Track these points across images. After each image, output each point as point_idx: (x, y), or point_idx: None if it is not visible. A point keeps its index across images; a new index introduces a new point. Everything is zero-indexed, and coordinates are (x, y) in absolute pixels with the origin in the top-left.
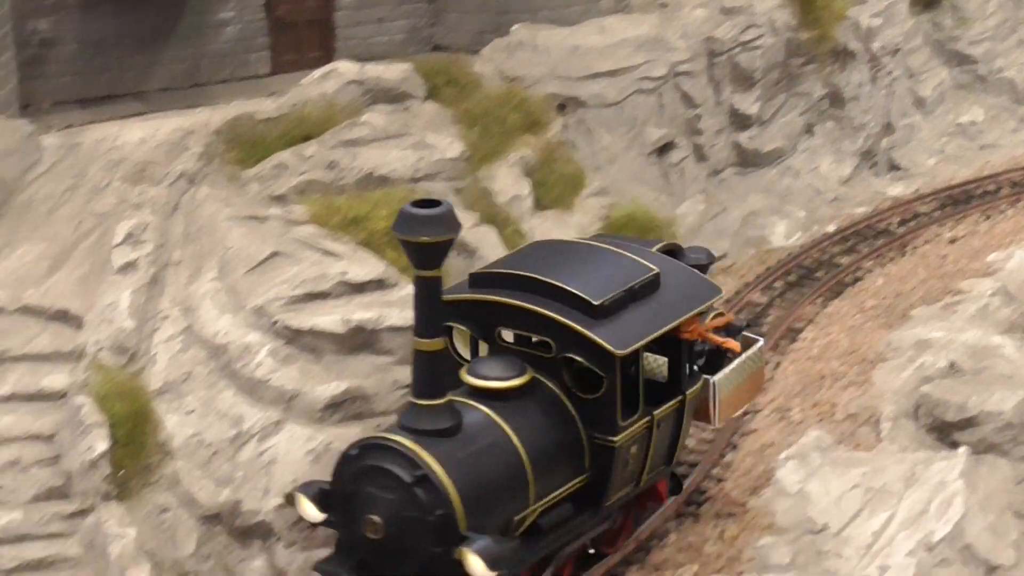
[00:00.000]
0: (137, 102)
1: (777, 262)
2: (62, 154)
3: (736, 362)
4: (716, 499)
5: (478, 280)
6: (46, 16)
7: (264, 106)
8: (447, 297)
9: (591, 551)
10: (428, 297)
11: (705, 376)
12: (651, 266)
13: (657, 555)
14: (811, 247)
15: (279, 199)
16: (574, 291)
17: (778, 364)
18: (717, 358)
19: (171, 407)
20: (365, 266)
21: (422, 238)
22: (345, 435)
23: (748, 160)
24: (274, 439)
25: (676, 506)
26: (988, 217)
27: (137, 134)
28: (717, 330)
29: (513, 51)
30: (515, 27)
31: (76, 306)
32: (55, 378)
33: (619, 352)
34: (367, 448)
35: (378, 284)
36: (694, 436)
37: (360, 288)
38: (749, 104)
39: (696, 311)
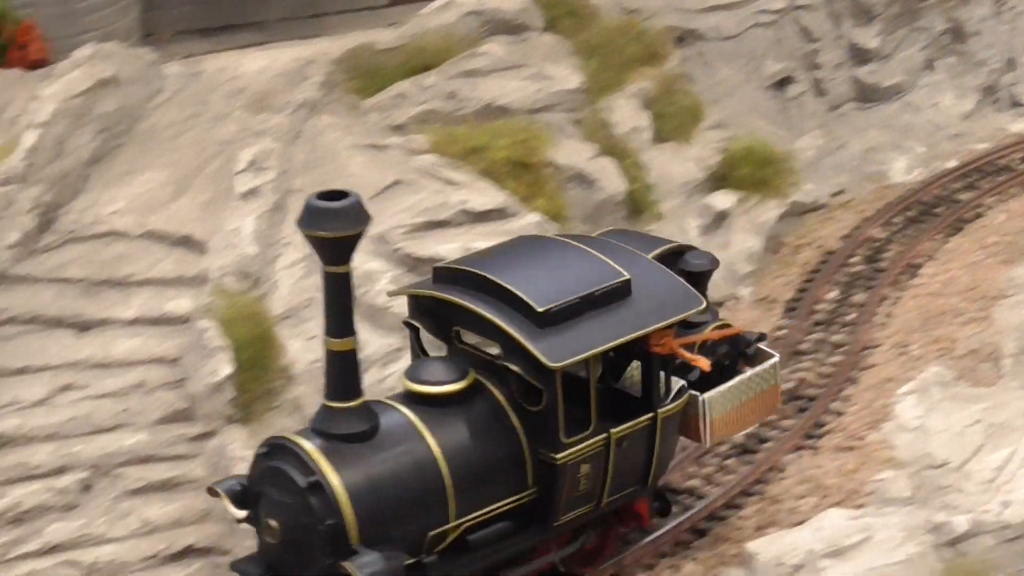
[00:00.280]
0: (256, 32)
1: (897, 197)
2: (184, 82)
3: (740, 378)
4: (835, 432)
5: (440, 276)
6: None
7: (383, 36)
8: (402, 291)
9: (562, 571)
10: (338, 294)
11: (692, 392)
12: (621, 271)
13: (775, 487)
14: (931, 183)
15: (399, 128)
16: (521, 295)
17: (897, 299)
18: (727, 371)
19: (293, 332)
20: (485, 195)
21: (327, 233)
22: None
23: (867, 95)
24: (395, 366)
25: (796, 439)
26: None
27: (257, 63)
28: (714, 343)
29: None
30: None
31: (199, 231)
32: (179, 302)
33: (553, 365)
34: (274, 448)
35: (499, 213)
36: (812, 370)
37: (481, 217)
38: (869, 38)
39: (666, 323)
